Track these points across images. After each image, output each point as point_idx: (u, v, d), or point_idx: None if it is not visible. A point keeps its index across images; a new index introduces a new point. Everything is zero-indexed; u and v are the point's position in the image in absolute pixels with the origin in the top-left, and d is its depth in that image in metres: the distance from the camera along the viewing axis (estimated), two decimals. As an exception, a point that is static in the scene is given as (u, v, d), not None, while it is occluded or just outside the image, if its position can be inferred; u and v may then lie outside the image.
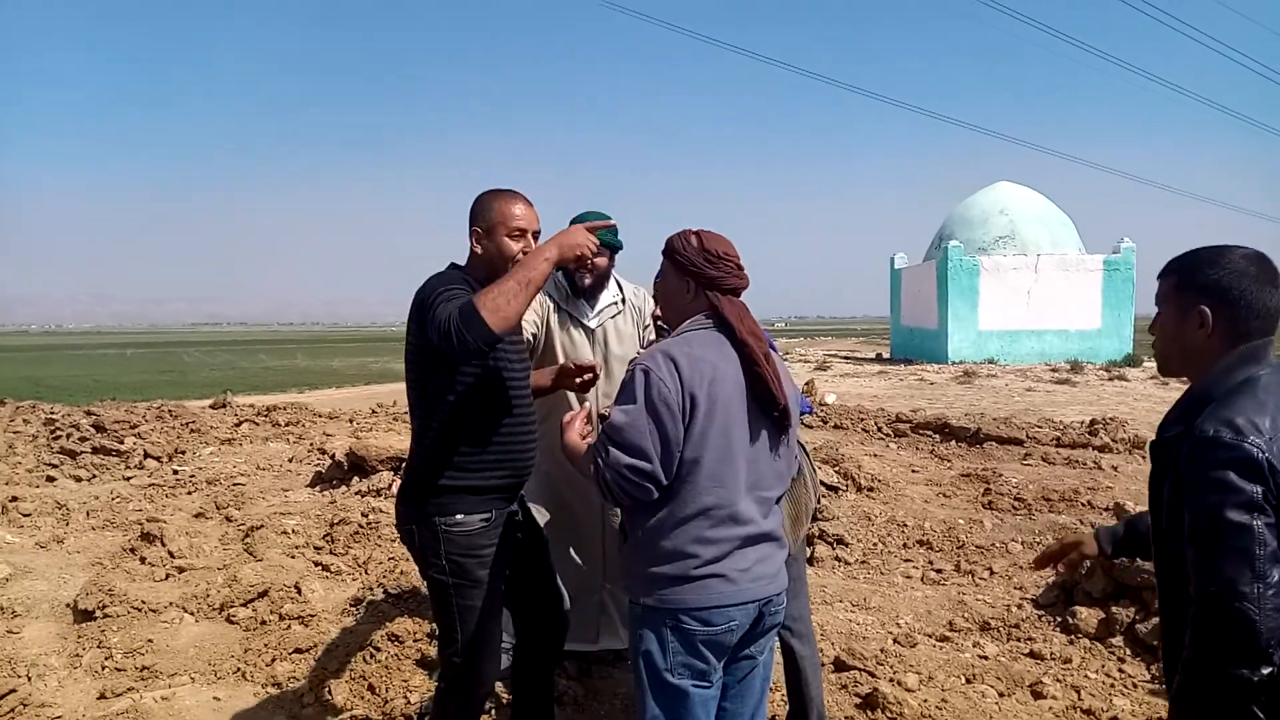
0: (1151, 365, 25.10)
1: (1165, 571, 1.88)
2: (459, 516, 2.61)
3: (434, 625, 4.30)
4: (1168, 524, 1.84)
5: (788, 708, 3.35)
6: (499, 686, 3.55)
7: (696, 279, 2.32)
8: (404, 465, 2.79)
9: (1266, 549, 1.64)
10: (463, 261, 2.78)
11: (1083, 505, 7.31)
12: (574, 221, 3.58)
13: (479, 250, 2.70)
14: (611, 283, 3.84)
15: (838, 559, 6.04)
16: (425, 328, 2.42)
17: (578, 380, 3.03)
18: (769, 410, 2.25)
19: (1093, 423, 11.34)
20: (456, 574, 2.63)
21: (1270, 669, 1.64)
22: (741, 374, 2.23)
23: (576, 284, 3.72)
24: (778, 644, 3.19)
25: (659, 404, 2.14)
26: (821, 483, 6.52)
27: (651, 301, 3.86)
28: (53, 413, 12.33)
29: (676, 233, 2.39)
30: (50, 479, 8.71)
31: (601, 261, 3.69)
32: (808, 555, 5.68)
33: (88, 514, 7.21)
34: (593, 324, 3.79)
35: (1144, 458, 9.81)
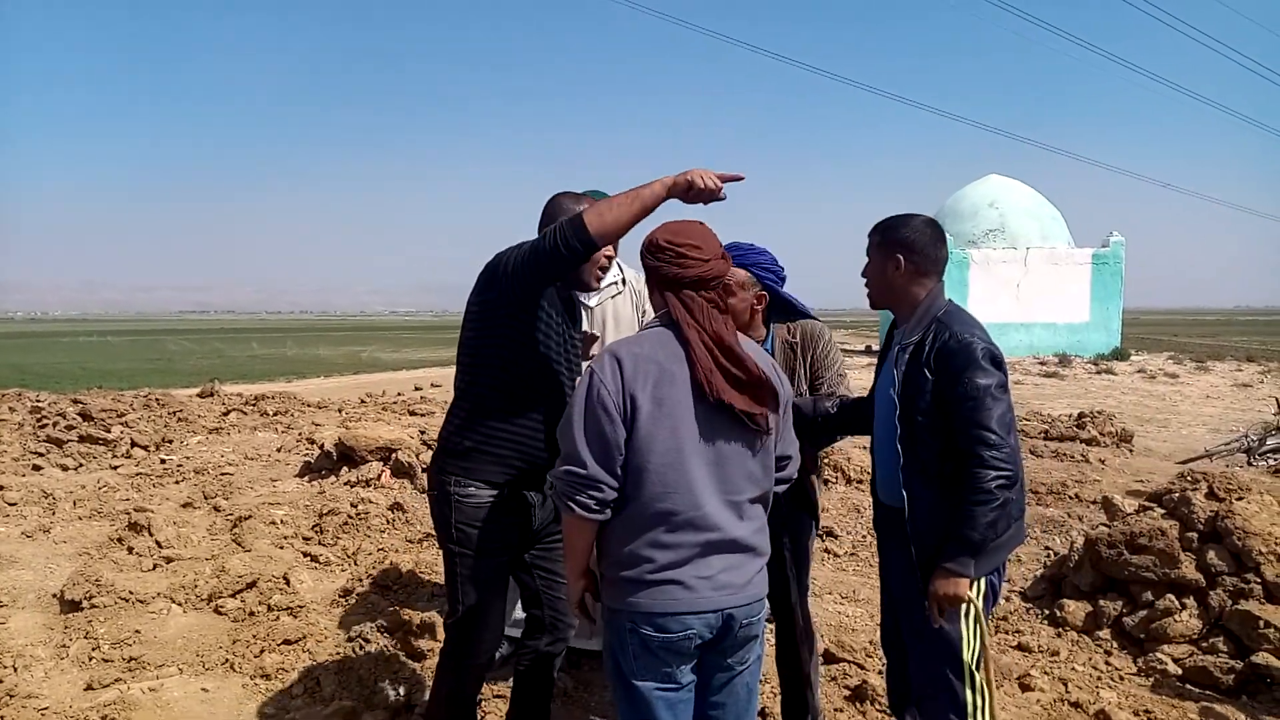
0: (1139, 358, 25.25)
1: (908, 434, 2.54)
2: (471, 489, 2.72)
3: (424, 616, 4.31)
4: (918, 399, 2.52)
5: (779, 696, 3.37)
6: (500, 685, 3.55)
7: (648, 274, 2.31)
8: (440, 430, 2.88)
9: (1011, 410, 2.49)
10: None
11: (1070, 498, 7.34)
12: None
13: None
14: (614, 265, 3.84)
15: (827, 551, 6.06)
16: (511, 264, 2.60)
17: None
18: (727, 410, 2.15)
19: (1080, 416, 11.38)
20: (462, 543, 2.74)
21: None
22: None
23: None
24: (770, 640, 3.19)
25: (597, 407, 2.11)
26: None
27: None
28: (39, 401, 12.24)
29: None
30: (36, 468, 8.64)
31: (609, 249, 3.70)
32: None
33: (74, 503, 7.16)
34: (592, 302, 3.83)
35: (1131, 451, 9.87)
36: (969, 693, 2.53)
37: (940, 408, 2.49)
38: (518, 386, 2.74)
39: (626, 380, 2.12)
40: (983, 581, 2.54)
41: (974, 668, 2.53)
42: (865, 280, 2.79)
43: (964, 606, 2.50)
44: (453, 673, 2.86)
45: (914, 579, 2.56)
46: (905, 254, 2.64)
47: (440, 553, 2.95)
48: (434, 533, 3.03)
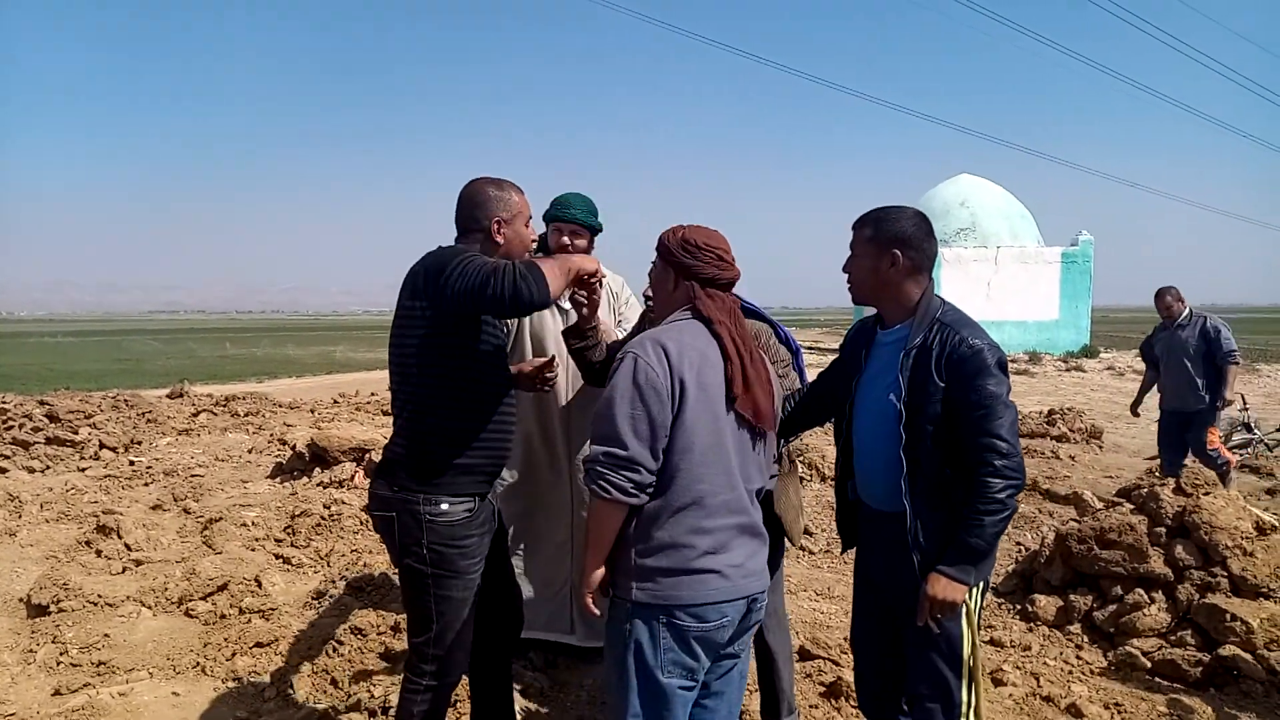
0: (1109, 356, 25.55)
1: (914, 442, 2.43)
2: (444, 506, 2.61)
3: (398, 618, 4.27)
4: (927, 407, 2.42)
5: (758, 697, 3.38)
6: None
7: (677, 269, 2.37)
8: (390, 446, 2.69)
9: (1018, 420, 2.44)
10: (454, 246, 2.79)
11: (1041, 494, 7.42)
12: (552, 204, 3.59)
13: (500, 240, 2.74)
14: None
15: (802, 548, 6.08)
16: (454, 286, 2.43)
17: (538, 382, 3.11)
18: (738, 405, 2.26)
19: (1051, 413, 11.51)
20: (437, 564, 2.63)
21: None
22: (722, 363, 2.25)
23: None
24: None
25: (646, 388, 2.12)
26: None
27: (626, 286, 3.98)
28: (4, 402, 12.04)
29: (669, 228, 2.44)
30: (2, 470, 8.51)
31: (581, 243, 3.69)
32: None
33: (41, 506, 7.06)
34: (565, 304, 3.78)
35: (1101, 447, 9.99)
36: (965, 692, 2.51)
37: (949, 416, 2.41)
38: (475, 392, 2.66)
39: (674, 364, 2.16)
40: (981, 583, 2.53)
41: (972, 667, 2.52)
42: (849, 275, 2.64)
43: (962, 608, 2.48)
44: (425, 693, 2.75)
45: (913, 584, 2.48)
46: (902, 249, 2.51)
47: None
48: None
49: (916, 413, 2.42)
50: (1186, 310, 7.18)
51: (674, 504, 2.16)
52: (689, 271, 2.36)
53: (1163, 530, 4.49)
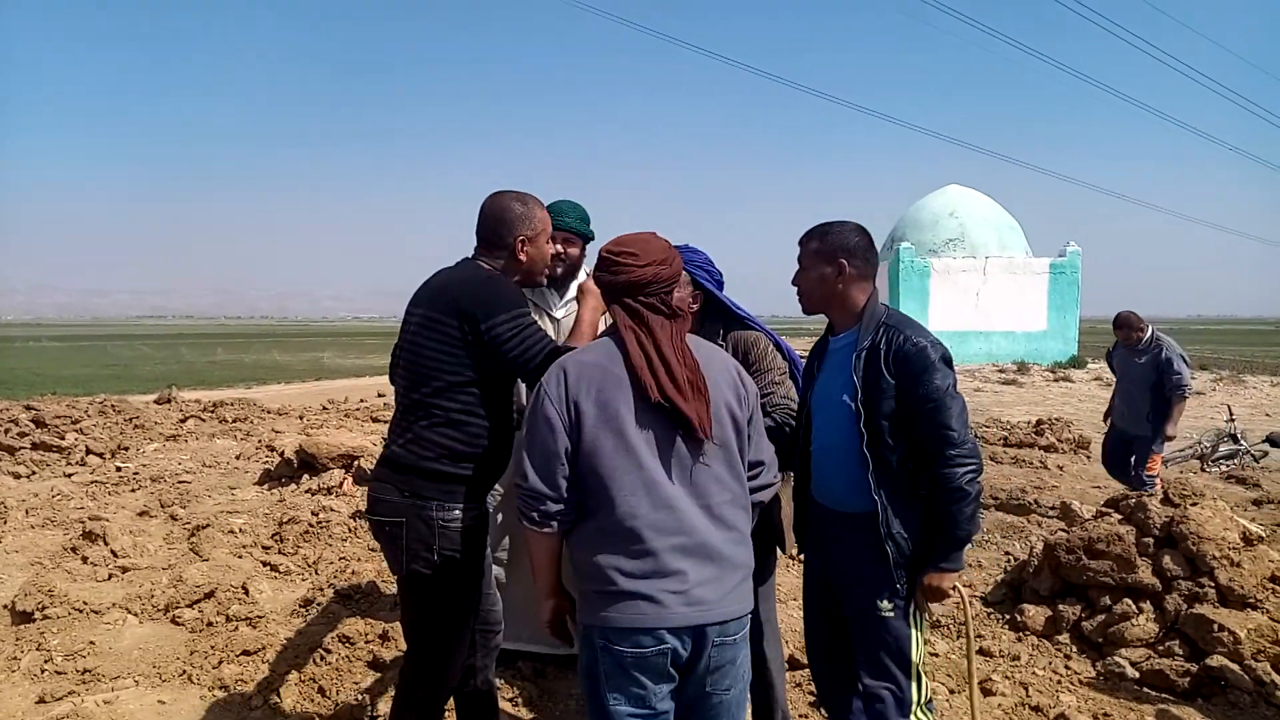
0: (1096, 366, 25.66)
1: (874, 438, 2.56)
2: (457, 512, 2.63)
3: (387, 626, 4.25)
4: (881, 403, 2.55)
5: (750, 707, 3.37)
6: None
7: (601, 288, 2.33)
8: (400, 451, 2.66)
9: (966, 408, 2.59)
10: (460, 256, 2.83)
11: (1029, 504, 7.44)
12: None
13: (523, 259, 2.75)
14: (581, 274, 3.80)
15: (791, 556, 6.07)
16: (506, 351, 2.53)
17: None
18: (669, 413, 2.10)
19: (1039, 423, 11.56)
20: (444, 569, 2.62)
21: None
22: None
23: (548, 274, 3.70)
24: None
25: (540, 419, 2.11)
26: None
27: None
28: (-11, 407, 11.97)
29: None
30: (-13, 476, 8.46)
31: (574, 251, 3.67)
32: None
33: (27, 512, 7.01)
34: (559, 314, 3.77)
35: (1089, 458, 10.02)
36: (914, 691, 2.65)
37: (902, 411, 2.56)
38: (498, 406, 2.70)
39: (570, 389, 2.11)
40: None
41: (920, 665, 2.67)
42: (799, 288, 2.82)
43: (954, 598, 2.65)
44: (424, 703, 2.74)
45: (877, 580, 2.62)
46: (848, 259, 2.69)
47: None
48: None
49: (872, 410, 2.57)
50: (1148, 334, 7.04)
51: (595, 530, 2.11)
52: (601, 285, 2.30)
53: (1150, 540, 4.51)
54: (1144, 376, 6.91)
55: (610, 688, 2.10)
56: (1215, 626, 4.01)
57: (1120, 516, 4.80)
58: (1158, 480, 6.98)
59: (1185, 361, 6.85)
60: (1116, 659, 4.15)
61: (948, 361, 2.60)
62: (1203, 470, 9.50)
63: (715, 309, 3.11)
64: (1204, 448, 9.90)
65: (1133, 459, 7.17)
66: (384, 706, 3.65)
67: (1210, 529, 4.41)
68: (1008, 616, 4.78)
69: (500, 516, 3.67)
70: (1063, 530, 5.17)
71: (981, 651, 4.41)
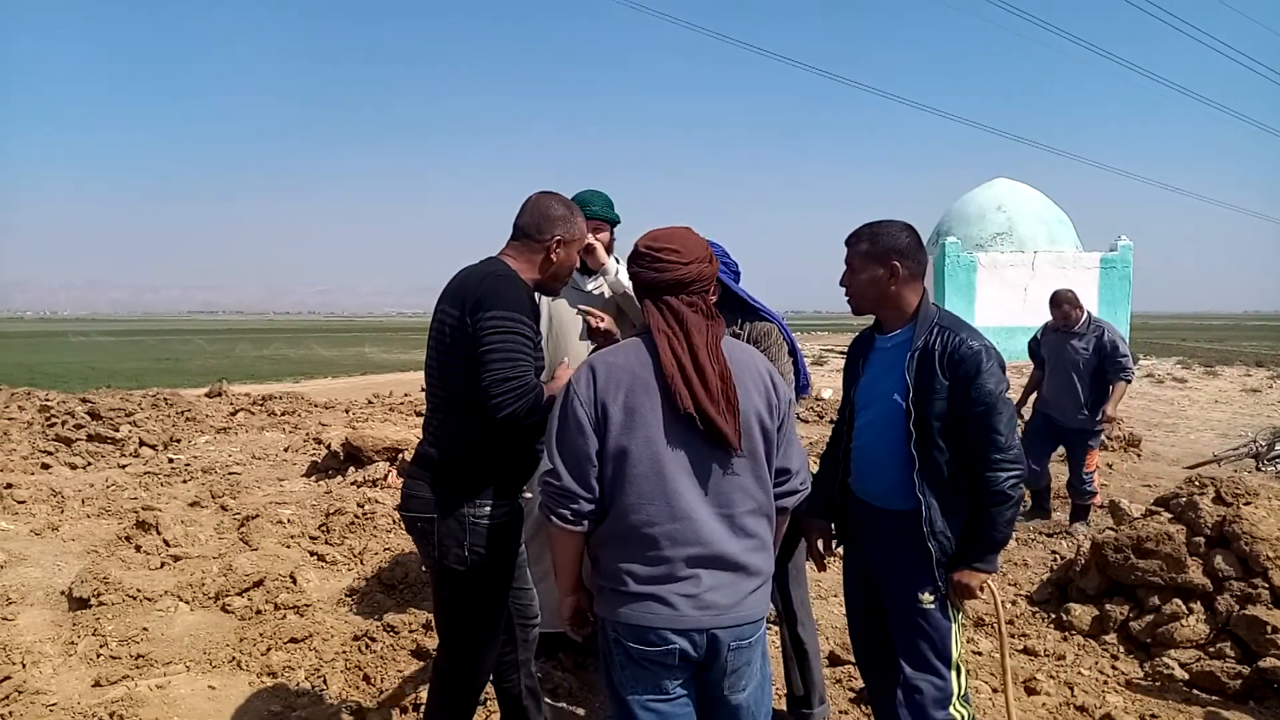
0: (1148, 363, 25.17)
1: (923, 438, 2.58)
2: (488, 509, 2.63)
3: (430, 616, 4.30)
4: (933, 404, 2.56)
5: (786, 691, 3.41)
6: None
7: (634, 282, 2.26)
8: (430, 448, 2.69)
9: (1016, 416, 2.63)
10: (486, 255, 2.82)
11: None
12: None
13: (553, 259, 2.75)
14: (610, 259, 3.86)
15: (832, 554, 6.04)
16: (485, 357, 2.48)
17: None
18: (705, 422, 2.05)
19: (1088, 420, 11.34)
20: (476, 566, 2.64)
21: None
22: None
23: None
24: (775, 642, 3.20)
25: (569, 418, 2.08)
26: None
27: None
28: (48, 400, 12.31)
29: None
30: (45, 466, 8.69)
31: (604, 236, 3.76)
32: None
33: (83, 501, 7.20)
34: (589, 287, 3.86)
35: (1139, 455, 9.84)
36: (954, 683, 2.67)
37: (953, 412, 2.57)
38: None
39: (599, 390, 2.07)
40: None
41: (960, 659, 2.70)
42: (848, 289, 2.79)
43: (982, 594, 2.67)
44: (457, 696, 2.78)
45: (918, 573, 2.65)
46: (899, 259, 2.66)
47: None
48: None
49: (923, 410, 2.58)
50: (1085, 317, 6.69)
51: (614, 531, 2.09)
52: (635, 282, 2.24)
53: (1201, 540, 4.41)
54: (1085, 363, 6.52)
55: (624, 678, 2.13)
56: (1269, 628, 3.92)
57: (1170, 515, 4.70)
58: (1095, 477, 6.77)
59: (1125, 344, 6.54)
60: (1165, 660, 4.08)
61: (1002, 366, 2.60)
62: (1258, 469, 9.26)
63: (731, 300, 3.21)
64: (1259, 446, 9.65)
65: (1070, 456, 6.83)
66: (425, 695, 3.70)
67: (1264, 529, 4.31)
68: (1054, 616, 4.71)
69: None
70: (1111, 529, 5.08)
71: (1026, 650, 4.36)
